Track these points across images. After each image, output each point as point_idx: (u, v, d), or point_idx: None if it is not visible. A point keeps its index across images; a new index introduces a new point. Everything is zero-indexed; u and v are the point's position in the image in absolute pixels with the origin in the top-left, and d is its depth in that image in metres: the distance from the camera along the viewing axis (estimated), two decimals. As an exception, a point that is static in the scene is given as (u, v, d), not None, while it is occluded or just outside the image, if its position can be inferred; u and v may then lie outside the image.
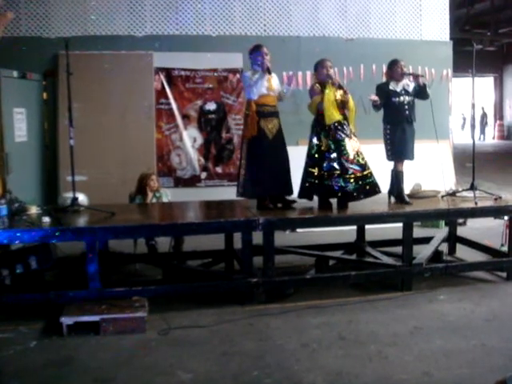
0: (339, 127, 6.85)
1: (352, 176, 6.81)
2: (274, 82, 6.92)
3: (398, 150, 7.37)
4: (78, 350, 5.19)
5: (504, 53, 33.11)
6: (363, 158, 6.91)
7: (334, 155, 6.83)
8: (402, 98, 7.31)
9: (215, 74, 10.41)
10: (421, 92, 7.39)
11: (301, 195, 7.08)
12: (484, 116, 32.77)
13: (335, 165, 6.82)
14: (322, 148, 6.88)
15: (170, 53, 10.21)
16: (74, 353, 5.14)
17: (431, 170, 9.56)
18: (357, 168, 6.84)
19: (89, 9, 10.12)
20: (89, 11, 10.12)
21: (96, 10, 10.15)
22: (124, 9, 10.27)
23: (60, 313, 5.59)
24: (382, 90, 7.35)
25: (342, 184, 6.81)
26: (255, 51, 6.88)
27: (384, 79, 7.69)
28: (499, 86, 35.24)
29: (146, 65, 10.08)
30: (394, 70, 7.40)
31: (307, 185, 6.99)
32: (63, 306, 5.72)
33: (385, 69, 7.59)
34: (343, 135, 6.84)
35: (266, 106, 6.84)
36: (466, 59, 10.06)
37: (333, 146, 6.83)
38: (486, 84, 34.98)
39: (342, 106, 6.95)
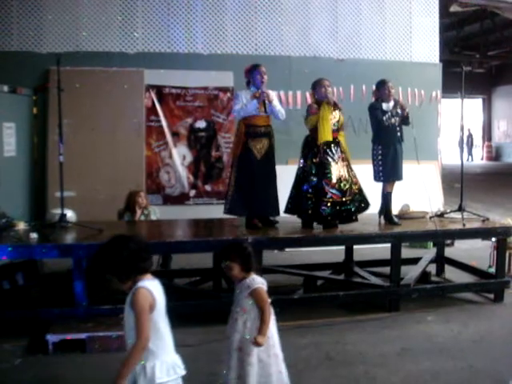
0: (328, 150, 6.88)
1: (330, 200, 6.84)
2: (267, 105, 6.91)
3: (391, 170, 7.40)
4: (63, 368, 5.14)
5: (493, 75, 33.39)
6: (345, 185, 6.91)
7: (315, 178, 6.88)
8: (393, 120, 7.34)
9: (206, 92, 10.43)
10: (403, 120, 7.46)
11: (286, 211, 7.12)
12: (470, 137, 32.94)
13: (315, 187, 6.87)
14: (308, 169, 6.92)
15: (161, 70, 10.23)
16: (60, 371, 5.10)
17: (419, 191, 9.59)
18: (336, 193, 6.86)
19: (81, 25, 10.14)
20: (81, 27, 10.13)
21: (88, 27, 10.17)
22: (116, 26, 10.29)
23: (46, 330, 5.54)
24: (377, 110, 7.36)
25: (318, 207, 6.85)
26: (253, 70, 6.89)
27: (372, 99, 7.72)
28: (488, 107, 35.51)
29: (136, 82, 10.09)
30: (382, 90, 7.44)
31: (290, 206, 7.03)
32: (49, 323, 5.68)
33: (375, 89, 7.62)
34: (330, 159, 6.87)
35: (255, 127, 6.85)
36: (455, 81, 10.17)
37: (316, 169, 6.87)
38: (474, 105, 35.22)
39: (337, 128, 6.98)
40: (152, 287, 3.34)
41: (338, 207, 6.87)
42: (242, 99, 6.85)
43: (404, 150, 7.48)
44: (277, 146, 7.14)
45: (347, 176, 6.96)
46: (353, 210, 6.98)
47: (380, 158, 7.41)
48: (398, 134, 7.41)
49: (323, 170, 6.86)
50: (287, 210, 7.14)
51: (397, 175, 7.46)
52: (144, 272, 3.38)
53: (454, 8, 15.00)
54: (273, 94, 6.98)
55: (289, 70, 10.61)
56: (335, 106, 7.06)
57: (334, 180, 6.85)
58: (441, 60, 11.85)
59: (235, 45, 10.74)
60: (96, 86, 9.82)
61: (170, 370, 3.34)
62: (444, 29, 16.62)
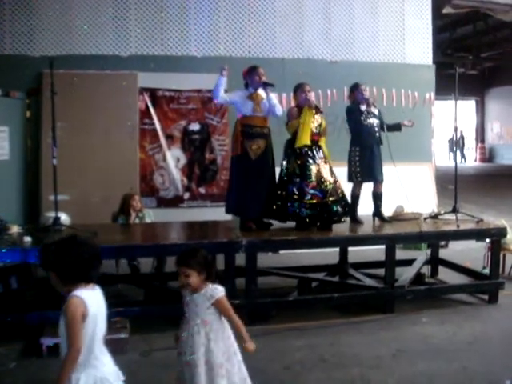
0: (309, 152, 6.94)
1: (308, 202, 6.84)
2: (262, 103, 6.92)
3: (367, 172, 7.48)
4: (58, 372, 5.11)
5: (486, 76, 33.48)
6: (326, 186, 6.92)
7: (297, 179, 6.91)
8: (372, 120, 7.47)
9: (199, 94, 10.43)
10: (392, 126, 7.61)
11: (268, 216, 7.11)
12: (461, 138, 32.97)
13: (295, 189, 6.88)
14: (290, 171, 6.94)
15: (155, 73, 10.20)
16: (54, 374, 5.04)
17: (413, 193, 9.61)
18: (317, 194, 6.87)
19: (74, 28, 10.12)
20: (74, 30, 10.11)
21: (81, 30, 10.14)
22: (109, 28, 10.27)
23: (40, 333, 5.52)
24: (355, 112, 7.47)
25: (297, 209, 6.86)
26: (252, 71, 6.92)
27: (348, 103, 7.83)
28: (481, 109, 35.63)
29: (130, 85, 10.07)
30: (357, 93, 7.62)
31: (274, 207, 7.01)
32: (43, 327, 5.65)
33: (367, 92, 7.67)
34: (311, 161, 6.91)
35: (251, 127, 6.87)
36: (448, 82, 10.18)
37: (298, 171, 6.91)
38: (467, 107, 35.31)
39: (318, 132, 7.02)
40: (87, 296, 3.15)
41: (318, 208, 6.88)
42: (236, 95, 6.90)
43: (396, 150, 7.51)
44: (273, 147, 7.16)
45: (329, 178, 6.96)
46: (336, 210, 6.96)
47: (357, 159, 7.52)
48: (377, 134, 7.51)
49: (304, 171, 6.90)
50: (270, 214, 7.11)
51: (373, 176, 7.56)
52: (90, 281, 3.22)
53: (446, 10, 15.03)
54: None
55: (282, 72, 10.58)
56: (317, 110, 7.09)
57: (315, 181, 6.88)
58: (434, 62, 11.86)
59: (229, 47, 10.72)
60: (89, 88, 9.78)
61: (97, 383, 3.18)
62: (437, 31, 16.63)
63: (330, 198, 6.90)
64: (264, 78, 6.92)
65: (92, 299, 3.19)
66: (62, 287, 3.19)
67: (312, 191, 6.86)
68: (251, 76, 6.92)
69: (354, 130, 7.52)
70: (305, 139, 6.88)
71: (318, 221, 6.94)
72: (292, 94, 7.49)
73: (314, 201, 6.86)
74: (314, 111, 7.02)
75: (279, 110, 7.05)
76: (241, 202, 6.88)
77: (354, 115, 7.54)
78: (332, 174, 7.05)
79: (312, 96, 7.18)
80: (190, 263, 3.89)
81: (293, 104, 7.53)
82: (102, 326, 3.30)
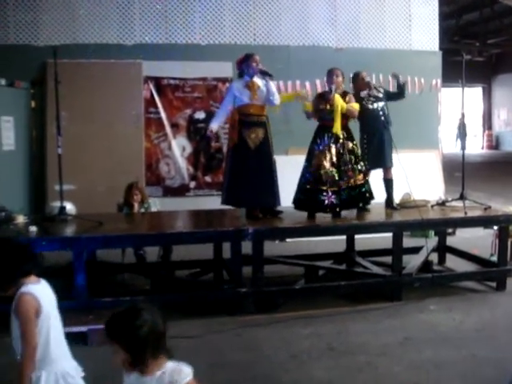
0: (317, 138, 7.00)
1: (303, 186, 6.96)
2: (259, 91, 6.85)
3: (374, 158, 7.47)
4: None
5: (492, 63, 33.30)
6: (326, 173, 6.87)
7: (305, 164, 6.99)
8: (375, 105, 7.44)
9: (204, 82, 10.39)
10: (397, 92, 7.53)
11: (296, 207, 7.11)
12: (462, 126, 32.77)
13: (311, 177, 6.92)
14: (313, 162, 6.93)
15: (160, 62, 10.16)
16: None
17: (421, 180, 9.57)
18: (311, 180, 6.93)
19: (78, 17, 10.08)
20: (78, 19, 10.07)
21: (85, 19, 10.11)
22: (113, 17, 10.23)
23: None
24: (356, 99, 7.44)
25: (296, 193, 6.97)
26: (247, 59, 6.84)
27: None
28: (488, 96, 35.44)
29: (135, 74, 10.04)
30: (357, 81, 7.67)
31: (301, 197, 7.04)
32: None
33: (374, 78, 7.64)
34: (315, 146, 6.98)
35: (248, 116, 6.80)
36: (454, 69, 10.12)
37: (307, 157, 6.99)
38: (474, 94, 35.14)
39: (331, 117, 6.96)
40: (36, 291, 3.08)
41: (308, 194, 6.92)
42: (234, 91, 6.82)
43: (403, 137, 7.48)
44: (276, 135, 7.12)
45: (329, 166, 6.89)
46: (321, 200, 6.89)
47: (365, 146, 7.53)
48: (382, 118, 7.46)
49: (308, 156, 7.00)
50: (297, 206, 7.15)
51: (381, 162, 7.55)
52: (27, 274, 3.12)
53: (453, -4, 14.93)
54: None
55: (287, 59, 10.54)
56: (344, 95, 7.06)
57: (313, 167, 6.88)
58: (440, 48, 11.79)
59: (233, 35, 10.67)
60: (94, 78, 9.76)
61: (59, 380, 3.11)
62: (443, 17, 16.53)
63: (323, 187, 6.85)
64: (261, 66, 6.84)
65: (41, 293, 3.12)
66: (8, 289, 3.11)
67: (308, 175, 6.88)
68: (248, 63, 6.82)
69: (360, 117, 7.47)
70: (339, 124, 6.90)
71: (306, 208, 6.99)
72: (300, 82, 7.46)
73: (308, 186, 6.86)
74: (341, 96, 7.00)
75: (277, 100, 6.96)
76: (240, 193, 6.81)
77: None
78: (341, 161, 6.97)
79: (340, 80, 7.14)
80: (114, 336, 2.55)
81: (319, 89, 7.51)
82: (57, 318, 3.22)
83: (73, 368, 3.23)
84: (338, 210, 6.96)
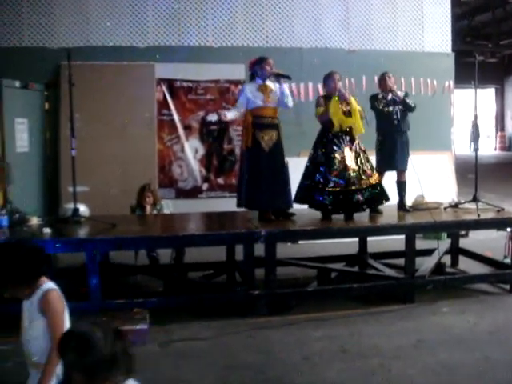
0: (335, 140, 6.91)
1: (331, 189, 6.84)
2: (272, 94, 6.86)
3: (386, 161, 7.49)
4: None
5: (505, 64, 33.12)
6: (350, 174, 6.88)
7: (322, 168, 6.91)
8: (391, 108, 7.44)
9: (217, 85, 10.40)
10: (405, 107, 7.50)
11: (296, 202, 7.11)
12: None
13: (321, 177, 6.88)
14: (318, 160, 6.93)
15: (172, 64, 10.19)
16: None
17: (434, 182, 9.55)
18: (340, 182, 6.86)
19: (91, 19, 10.13)
20: (91, 22, 10.12)
21: (98, 21, 10.15)
22: (126, 20, 10.27)
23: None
24: (372, 100, 7.54)
25: (320, 196, 6.87)
26: (261, 62, 6.85)
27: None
28: (500, 97, 35.26)
29: (147, 76, 10.07)
30: (380, 82, 7.69)
31: (302, 194, 7.03)
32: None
33: (392, 80, 7.65)
34: (336, 148, 6.90)
35: (262, 118, 6.81)
36: (467, 71, 10.07)
37: (323, 159, 6.91)
38: (487, 95, 34.99)
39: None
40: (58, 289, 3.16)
41: (340, 196, 6.86)
42: (246, 93, 6.82)
43: (415, 139, 7.48)
44: (289, 138, 7.15)
45: (354, 166, 6.93)
46: (356, 200, 6.93)
47: (378, 147, 7.58)
48: (396, 122, 7.44)
49: (328, 159, 6.90)
50: (296, 200, 7.11)
51: (392, 165, 7.57)
52: (44, 274, 3.19)
53: (465, -3, 14.88)
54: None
55: (300, 61, 10.53)
56: (345, 101, 7.04)
57: (338, 169, 6.85)
58: (453, 50, 11.75)
59: (246, 37, 10.68)
60: (107, 80, 9.80)
61: None
62: (456, 18, 16.49)
63: (352, 187, 6.87)
64: (275, 69, 6.85)
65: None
66: (25, 290, 3.14)
67: (334, 179, 6.84)
68: (261, 66, 6.84)
69: (376, 119, 7.53)
70: (337, 125, 6.89)
71: (340, 209, 6.93)
72: (313, 84, 7.45)
73: (337, 189, 6.85)
74: (341, 100, 6.98)
75: (291, 102, 6.98)
76: (255, 195, 6.82)
77: (371, 103, 7.59)
78: (359, 160, 7.00)
79: (341, 85, 7.14)
80: (68, 359, 2.38)
81: (312, 94, 7.49)
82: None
83: None
84: (364, 207, 7.06)
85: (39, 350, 3.10)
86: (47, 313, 3.07)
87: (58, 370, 3.00)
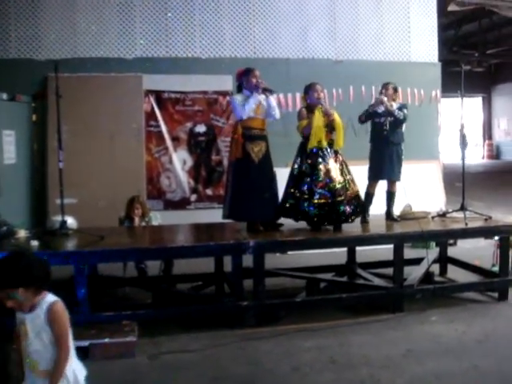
0: (320, 153, 6.91)
1: (317, 201, 6.83)
2: (261, 106, 6.87)
3: (375, 170, 7.56)
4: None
5: (492, 73, 33.40)
6: (334, 186, 6.87)
7: (308, 179, 6.90)
8: (382, 119, 7.49)
9: (205, 96, 10.42)
10: (395, 120, 7.52)
11: (280, 215, 7.10)
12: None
13: (305, 189, 6.87)
14: (301, 170, 6.95)
15: (160, 75, 10.21)
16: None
17: (421, 191, 9.58)
18: (326, 194, 6.84)
19: (78, 31, 10.13)
20: (78, 33, 10.12)
21: (86, 33, 10.16)
22: (114, 31, 10.28)
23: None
24: (367, 111, 7.61)
25: (306, 208, 6.86)
26: (248, 73, 6.86)
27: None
28: (488, 105, 35.52)
29: (135, 87, 10.07)
30: (383, 91, 7.66)
31: (287, 205, 7.00)
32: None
33: (374, 90, 7.69)
34: (320, 160, 6.90)
35: (252, 129, 6.82)
36: (454, 80, 10.12)
37: (308, 170, 6.90)
38: (474, 104, 35.21)
39: (330, 129, 6.99)
40: None
41: (326, 208, 6.85)
42: (238, 101, 6.83)
43: (404, 149, 7.53)
44: (276, 148, 7.14)
45: (339, 178, 6.94)
46: (343, 211, 6.91)
47: (370, 157, 7.69)
48: (385, 133, 7.48)
49: (313, 171, 6.89)
50: (281, 213, 7.10)
51: (382, 175, 7.62)
52: (48, 286, 3.29)
53: (452, 7, 14.96)
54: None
55: (287, 72, 10.57)
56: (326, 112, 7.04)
57: (323, 181, 6.85)
58: (440, 59, 11.83)
59: (233, 48, 10.72)
60: (95, 91, 9.80)
61: (77, 376, 3.30)
62: (442, 28, 16.59)
63: (338, 198, 6.87)
64: (262, 82, 6.83)
65: None
66: (31, 299, 3.19)
67: (320, 191, 6.84)
68: (248, 78, 6.86)
69: (370, 128, 7.63)
70: (318, 140, 6.88)
71: (326, 221, 6.93)
72: (300, 94, 7.43)
73: (323, 200, 6.84)
74: (324, 112, 6.98)
75: (277, 114, 6.99)
76: (245, 206, 6.82)
77: (363, 113, 7.68)
78: (343, 172, 7.00)
79: (323, 96, 7.15)
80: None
81: (299, 104, 7.48)
82: None
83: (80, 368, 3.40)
84: (353, 218, 7.06)
85: (46, 360, 3.20)
86: (54, 324, 3.17)
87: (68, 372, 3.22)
